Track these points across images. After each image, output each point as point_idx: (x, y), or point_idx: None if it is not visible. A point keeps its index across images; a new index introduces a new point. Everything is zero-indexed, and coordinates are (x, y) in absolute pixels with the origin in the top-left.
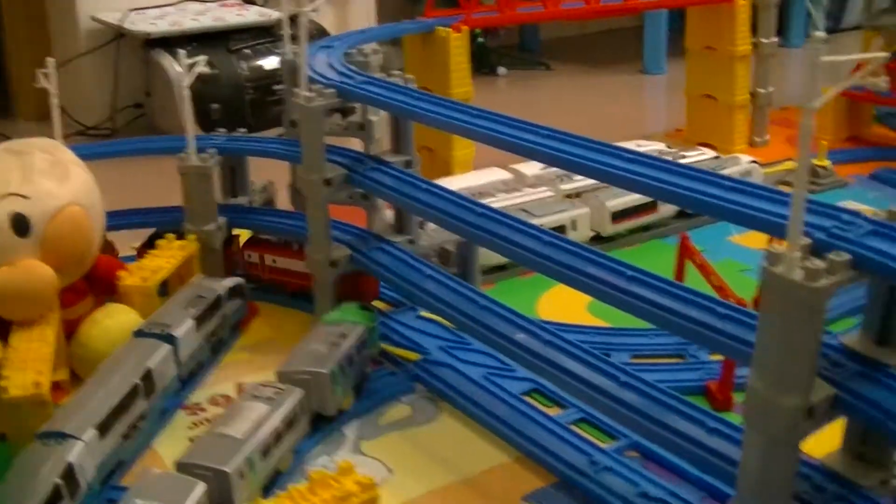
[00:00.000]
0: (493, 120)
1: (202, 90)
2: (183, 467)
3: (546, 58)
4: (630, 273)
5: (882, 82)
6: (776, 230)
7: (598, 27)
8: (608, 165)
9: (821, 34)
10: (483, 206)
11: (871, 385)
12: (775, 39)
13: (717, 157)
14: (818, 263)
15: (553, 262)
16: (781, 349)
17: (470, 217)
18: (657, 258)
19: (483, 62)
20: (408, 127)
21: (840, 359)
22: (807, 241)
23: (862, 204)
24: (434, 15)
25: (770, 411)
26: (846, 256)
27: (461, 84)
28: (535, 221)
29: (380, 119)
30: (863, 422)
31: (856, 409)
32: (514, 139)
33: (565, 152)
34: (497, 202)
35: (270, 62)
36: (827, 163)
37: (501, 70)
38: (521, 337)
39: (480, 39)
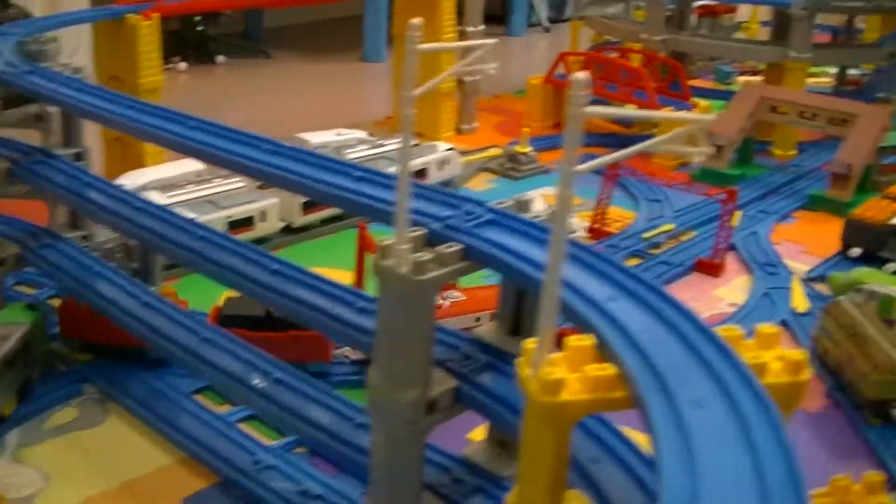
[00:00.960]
0: (139, 110)
1: None
2: None
3: (270, 46)
4: (275, 267)
5: (491, 69)
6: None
7: (322, 15)
8: (238, 155)
9: (416, 19)
10: (142, 200)
11: (496, 377)
12: (482, 27)
13: (416, 145)
14: (426, 255)
15: (196, 255)
16: (395, 343)
17: (126, 212)
18: (348, 248)
19: (201, 50)
20: (79, 118)
21: (472, 351)
22: (417, 232)
23: None
24: (126, 2)
25: (390, 406)
26: (458, 247)
27: (150, 73)
28: (222, 213)
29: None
30: (484, 414)
31: (477, 402)
32: (147, 127)
33: (197, 141)
34: (186, 194)
35: None
36: (529, 149)
37: (220, 58)
38: (180, 335)
39: (200, 27)
